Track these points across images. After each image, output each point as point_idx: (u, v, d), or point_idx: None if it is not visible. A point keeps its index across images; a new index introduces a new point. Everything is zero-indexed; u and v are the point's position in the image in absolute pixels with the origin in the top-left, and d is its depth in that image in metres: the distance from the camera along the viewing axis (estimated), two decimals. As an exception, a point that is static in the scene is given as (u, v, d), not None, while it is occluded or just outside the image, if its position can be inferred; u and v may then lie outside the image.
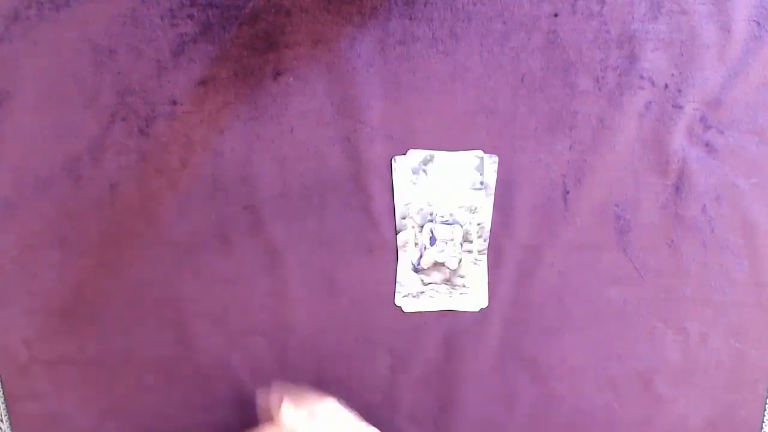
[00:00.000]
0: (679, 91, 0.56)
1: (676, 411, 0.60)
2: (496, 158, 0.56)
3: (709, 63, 0.55)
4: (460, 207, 0.57)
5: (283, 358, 0.59)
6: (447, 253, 0.57)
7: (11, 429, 0.59)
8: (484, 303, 0.58)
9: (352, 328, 0.59)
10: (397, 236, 0.57)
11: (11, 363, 0.58)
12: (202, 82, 0.56)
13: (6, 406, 0.59)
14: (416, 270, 0.58)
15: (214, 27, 0.55)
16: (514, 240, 0.58)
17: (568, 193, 0.57)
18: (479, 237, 0.57)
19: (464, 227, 0.57)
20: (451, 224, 0.57)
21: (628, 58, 0.56)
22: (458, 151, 0.57)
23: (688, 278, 0.58)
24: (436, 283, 0.58)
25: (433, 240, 0.57)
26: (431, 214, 0.57)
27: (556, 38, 0.55)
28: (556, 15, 0.55)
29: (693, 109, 0.56)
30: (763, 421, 0.60)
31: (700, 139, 0.57)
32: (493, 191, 0.57)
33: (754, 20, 0.55)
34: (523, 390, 0.60)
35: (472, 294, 0.58)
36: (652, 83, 0.56)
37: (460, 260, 0.57)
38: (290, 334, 0.59)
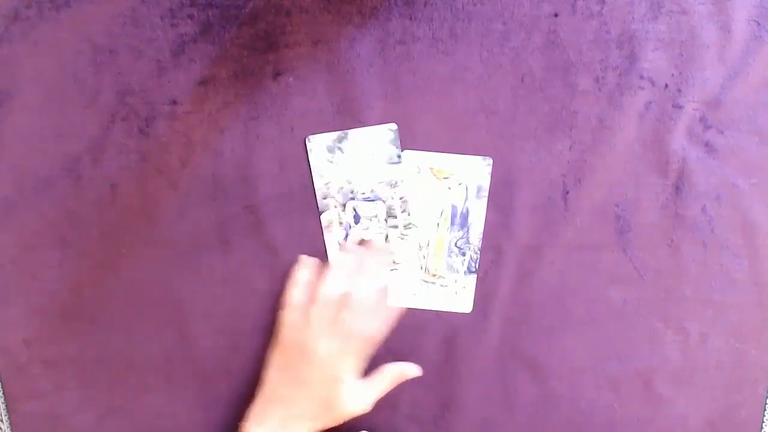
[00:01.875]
0: (679, 91, 0.56)
1: (676, 411, 0.60)
2: (490, 160, 0.56)
3: (710, 63, 0.56)
4: (380, 182, 0.56)
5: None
6: (373, 230, 0.57)
7: (11, 429, 0.59)
8: (416, 277, 0.58)
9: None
10: (321, 217, 0.57)
11: (11, 363, 0.58)
12: (202, 82, 0.56)
13: (6, 406, 0.59)
14: None
15: (214, 27, 0.55)
16: (514, 240, 0.58)
17: (568, 193, 0.57)
18: (403, 211, 0.56)
19: (386, 202, 0.57)
20: (373, 200, 0.56)
21: (628, 58, 0.56)
22: (459, 151, 0.57)
23: (688, 278, 0.58)
24: None
25: (357, 218, 0.57)
26: (352, 192, 0.57)
27: (556, 38, 0.55)
28: (556, 15, 0.55)
29: (693, 109, 0.56)
30: (763, 421, 0.60)
31: (700, 139, 0.57)
32: (487, 193, 0.57)
33: (755, 20, 0.55)
34: (523, 390, 0.60)
35: (402, 269, 0.58)
36: (652, 83, 0.56)
37: (387, 236, 0.57)
38: (290, 334, 0.59)
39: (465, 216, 0.58)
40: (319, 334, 0.52)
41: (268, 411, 0.52)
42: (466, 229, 0.58)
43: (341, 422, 0.53)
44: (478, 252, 0.58)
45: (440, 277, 0.58)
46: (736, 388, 0.59)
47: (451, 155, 0.57)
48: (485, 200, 0.57)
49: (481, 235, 0.58)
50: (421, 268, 0.58)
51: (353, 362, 0.53)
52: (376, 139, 0.56)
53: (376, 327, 0.54)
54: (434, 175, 0.57)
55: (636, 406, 0.60)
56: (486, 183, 0.57)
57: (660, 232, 0.58)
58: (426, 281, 0.58)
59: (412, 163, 0.57)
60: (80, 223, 0.57)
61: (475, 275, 0.58)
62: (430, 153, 0.57)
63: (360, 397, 0.52)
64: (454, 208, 0.58)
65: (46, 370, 0.58)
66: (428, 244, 0.58)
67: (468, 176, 0.57)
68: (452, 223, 0.58)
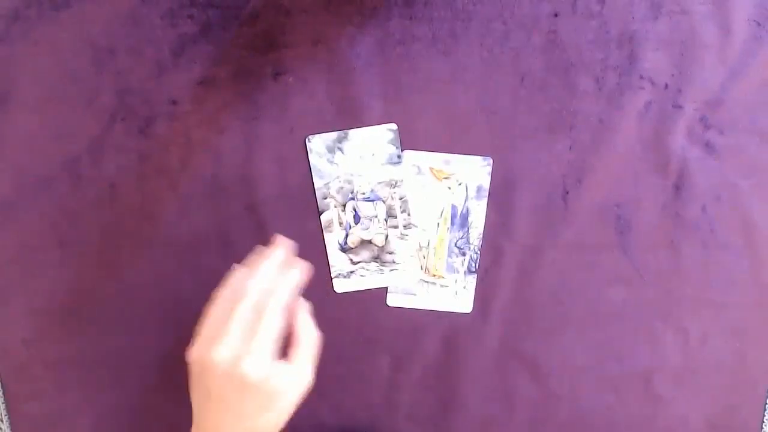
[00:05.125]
0: (679, 91, 0.56)
1: (676, 411, 0.60)
2: (490, 160, 0.56)
3: (709, 63, 0.55)
4: (379, 182, 0.57)
5: (283, 358, 0.59)
6: (372, 230, 0.57)
7: (11, 429, 0.59)
8: (416, 277, 0.58)
9: (352, 328, 0.59)
10: (321, 217, 0.57)
11: (11, 363, 0.58)
12: (202, 82, 0.56)
13: (6, 406, 0.59)
14: (344, 249, 0.57)
15: (214, 27, 0.55)
16: (514, 240, 0.58)
17: (568, 193, 0.57)
18: (403, 211, 0.57)
19: (386, 202, 0.57)
20: (373, 200, 0.57)
21: (628, 58, 0.56)
22: (459, 151, 0.57)
23: (688, 278, 0.58)
24: (365, 262, 0.58)
25: (357, 218, 0.57)
26: (352, 192, 0.57)
27: (556, 38, 0.55)
28: (556, 15, 0.55)
29: (693, 109, 0.56)
30: (764, 422, 0.60)
31: (700, 139, 0.57)
32: (487, 193, 0.57)
33: (755, 20, 0.55)
34: (523, 390, 0.60)
35: (402, 269, 0.58)
36: (652, 83, 0.56)
37: (387, 236, 0.57)
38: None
39: (465, 216, 0.58)
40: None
41: None
42: (466, 229, 0.58)
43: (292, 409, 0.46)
44: (478, 252, 0.58)
45: (440, 277, 0.58)
46: (736, 389, 0.59)
47: (451, 155, 0.57)
48: (485, 200, 0.57)
49: (481, 235, 0.58)
50: (421, 268, 0.58)
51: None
52: (376, 139, 0.56)
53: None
54: (434, 175, 0.57)
55: (636, 407, 0.60)
56: (486, 183, 0.57)
57: (660, 232, 0.57)
58: (426, 281, 0.58)
59: (412, 163, 0.57)
60: (80, 223, 0.57)
61: (475, 275, 0.58)
62: (430, 153, 0.57)
63: (295, 376, 0.45)
64: (454, 208, 0.58)
65: (46, 370, 0.58)
66: (428, 244, 0.58)
67: (468, 176, 0.57)
68: (452, 223, 0.58)
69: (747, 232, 0.57)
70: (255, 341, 0.42)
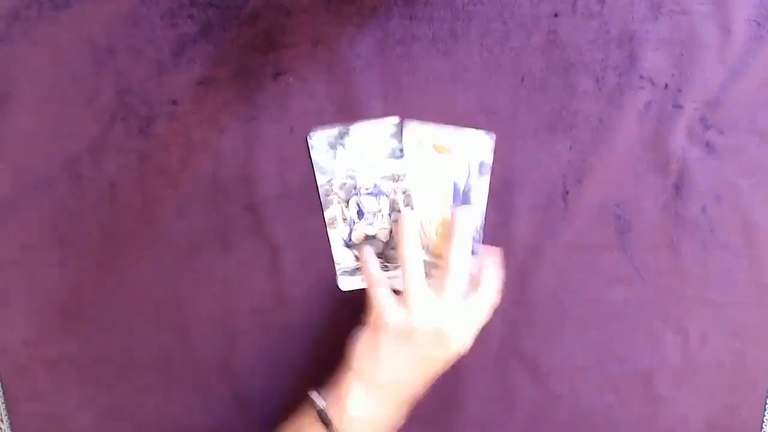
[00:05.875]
0: (679, 91, 0.56)
1: (675, 411, 0.60)
2: (493, 135, 0.56)
3: (709, 63, 0.56)
4: (382, 177, 0.56)
5: (284, 358, 0.59)
6: (376, 225, 0.57)
7: (11, 429, 0.59)
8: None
9: (353, 328, 0.59)
10: (324, 213, 0.57)
11: (11, 363, 0.58)
12: (202, 82, 0.56)
13: (6, 406, 0.59)
14: (348, 246, 0.57)
15: (214, 27, 0.55)
16: (514, 240, 0.58)
17: (568, 193, 0.57)
18: (406, 206, 0.56)
19: (390, 197, 0.57)
20: (376, 195, 0.56)
21: (628, 58, 0.56)
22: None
23: (688, 278, 0.58)
24: None
25: (360, 213, 0.57)
26: (355, 188, 0.56)
27: (556, 38, 0.55)
28: (556, 15, 0.55)
29: (693, 109, 0.56)
30: (764, 422, 0.60)
31: (700, 139, 0.57)
32: (490, 169, 0.56)
33: (755, 20, 0.55)
34: (523, 390, 0.60)
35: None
36: (652, 83, 0.56)
37: (390, 231, 0.57)
38: (290, 334, 0.59)
39: (467, 193, 0.57)
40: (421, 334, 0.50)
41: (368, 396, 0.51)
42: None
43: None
44: (480, 232, 0.57)
45: (442, 257, 0.57)
46: (736, 389, 0.59)
47: (371, 121, 0.56)
48: (488, 176, 0.56)
49: (484, 214, 0.57)
50: (424, 247, 0.58)
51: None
52: (378, 134, 0.56)
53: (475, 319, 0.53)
54: (437, 151, 0.57)
55: (636, 406, 0.60)
56: (488, 158, 0.56)
57: (660, 232, 0.58)
58: (428, 261, 0.57)
59: (414, 136, 0.56)
60: (80, 223, 0.57)
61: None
62: (433, 126, 0.56)
63: (466, 327, 0.52)
64: (456, 185, 0.57)
65: (46, 370, 0.58)
66: (430, 222, 0.57)
67: (471, 152, 0.56)
68: (454, 200, 0.57)
69: (747, 232, 0.57)
70: (446, 299, 0.50)
